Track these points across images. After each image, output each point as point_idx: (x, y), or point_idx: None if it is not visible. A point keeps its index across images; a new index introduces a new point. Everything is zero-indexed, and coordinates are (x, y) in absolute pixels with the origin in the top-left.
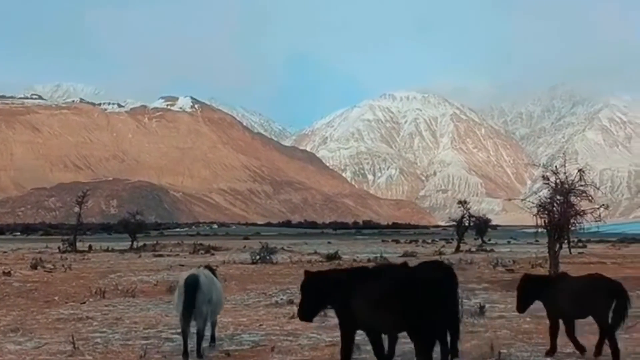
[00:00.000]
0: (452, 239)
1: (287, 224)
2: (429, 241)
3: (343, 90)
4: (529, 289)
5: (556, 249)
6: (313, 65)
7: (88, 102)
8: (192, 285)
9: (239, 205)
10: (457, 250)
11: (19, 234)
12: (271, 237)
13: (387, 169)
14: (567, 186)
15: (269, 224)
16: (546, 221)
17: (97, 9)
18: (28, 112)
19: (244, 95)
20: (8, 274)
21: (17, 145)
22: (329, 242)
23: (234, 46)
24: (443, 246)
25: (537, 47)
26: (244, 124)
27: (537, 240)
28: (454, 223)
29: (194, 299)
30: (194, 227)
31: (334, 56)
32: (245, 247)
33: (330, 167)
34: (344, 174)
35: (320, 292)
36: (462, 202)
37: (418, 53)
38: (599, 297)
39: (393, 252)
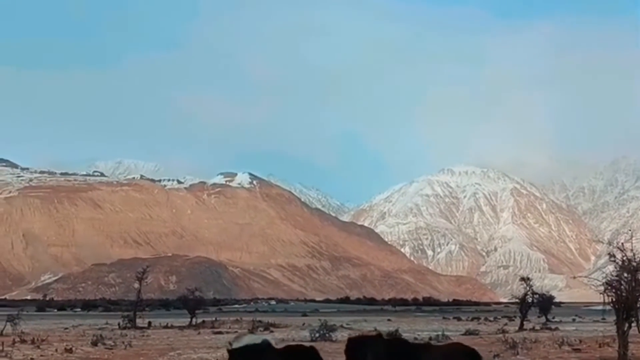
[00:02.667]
0: (515, 317)
1: (346, 300)
2: (491, 319)
3: (401, 165)
4: None
5: (625, 328)
6: (370, 141)
7: (148, 179)
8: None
9: (297, 281)
10: (521, 328)
11: (79, 309)
12: (330, 314)
13: (447, 245)
14: (634, 264)
15: (327, 301)
16: (613, 299)
17: (157, 90)
18: (90, 188)
19: (302, 171)
20: (70, 350)
21: (78, 222)
22: (388, 320)
23: (292, 122)
24: (506, 324)
25: (597, 120)
26: (302, 199)
27: (603, 319)
28: (517, 300)
29: None
30: (252, 303)
31: (391, 131)
32: (304, 324)
33: (389, 243)
34: (402, 250)
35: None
36: (525, 279)
37: (476, 127)
38: None
39: (455, 330)
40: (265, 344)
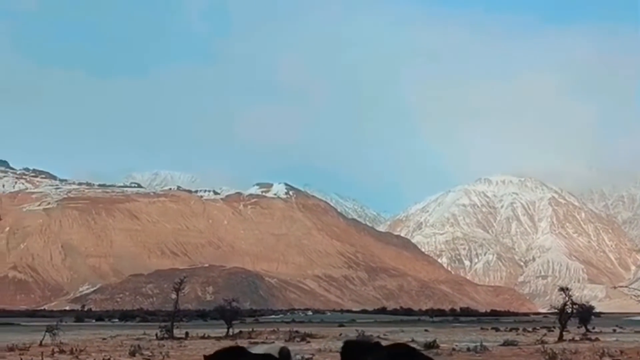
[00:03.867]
0: (554, 327)
1: (383, 310)
2: (530, 329)
3: (437, 175)
4: None
5: None
6: (406, 150)
7: (185, 190)
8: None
9: (333, 292)
10: (560, 339)
11: (117, 320)
12: (367, 324)
13: (484, 255)
14: None
15: (364, 311)
16: None
17: (193, 101)
18: (127, 200)
19: (338, 182)
20: None
21: (116, 233)
22: (425, 330)
23: (327, 133)
24: (545, 335)
25: (636, 128)
26: (338, 210)
27: None
28: (556, 310)
29: None
30: (288, 313)
31: (427, 141)
32: (341, 334)
33: (426, 253)
34: (439, 260)
35: None
36: (564, 289)
37: (513, 136)
38: None
39: (493, 341)
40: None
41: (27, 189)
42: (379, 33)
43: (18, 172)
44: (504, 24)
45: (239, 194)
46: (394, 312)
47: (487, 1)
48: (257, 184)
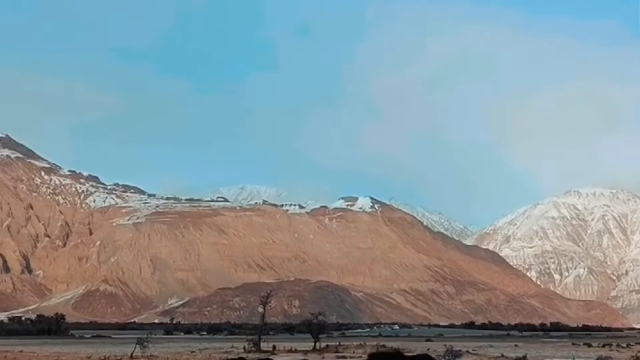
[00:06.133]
0: None
1: (471, 325)
2: (624, 345)
3: (525, 187)
4: None
5: None
6: (493, 163)
7: (271, 204)
8: None
9: (420, 306)
10: None
11: (205, 333)
12: (455, 339)
13: (575, 268)
14: None
15: (451, 325)
16: None
17: (278, 117)
18: (214, 214)
19: (424, 195)
20: None
21: (203, 247)
22: (515, 345)
23: (413, 147)
24: None
25: None
26: (425, 223)
27: None
28: None
29: None
30: (375, 327)
31: (515, 153)
32: (428, 349)
33: (514, 267)
34: (528, 274)
35: None
36: None
37: (604, 148)
38: None
39: (585, 357)
40: None
41: (117, 204)
42: (462, 44)
43: (108, 188)
44: (600, 33)
45: (324, 207)
46: (483, 326)
47: (582, 12)
48: (342, 198)
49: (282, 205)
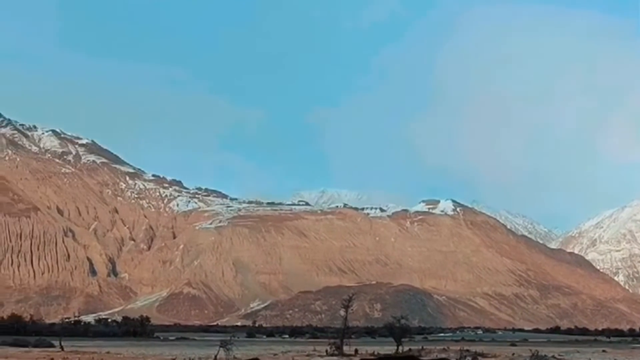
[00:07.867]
0: None
1: (556, 330)
2: None
3: (611, 189)
4: None
5: None
6: (578, 165)
7: (351, 207)
8: None
9: (504, 310)
10: None
11: (287, 336)
12: (540, 344)
13: None
14: None
15: (536, 330)
16: None
17: (359, 121)
18: (295, 217)
19: (507, 198)
20: None
21: (285, 250)
22: (603, 351)
23: (496, 149)
24: None
25: None
26: (508, 226)
27: None
28: None
29: None
30: (458, 332)
31: (601, 154)
32: (513, 354)
33: (601, 271)
34: (616, 278)
35: None
36: None
37: None
38: None
39: None
40: None
41: (199, 207)
42: (539, 45)
43: (191, 192)
44: None
45: (405, 210)
46: (568, 331)
47: None
48: (423, 201)
49: (362, 209)
